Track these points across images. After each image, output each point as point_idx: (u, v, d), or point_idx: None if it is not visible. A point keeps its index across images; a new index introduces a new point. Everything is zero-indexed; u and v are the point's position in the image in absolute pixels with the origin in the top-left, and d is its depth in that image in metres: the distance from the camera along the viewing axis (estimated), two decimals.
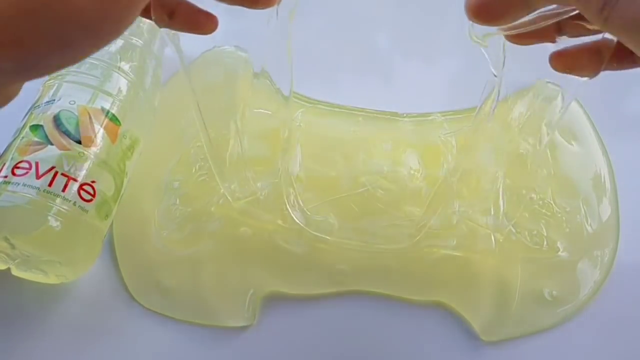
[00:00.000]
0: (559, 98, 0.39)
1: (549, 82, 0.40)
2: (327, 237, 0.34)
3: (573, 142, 0.38)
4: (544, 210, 0.35)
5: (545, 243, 0.34)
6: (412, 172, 0.36)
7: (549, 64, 0.33)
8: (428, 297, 0.33)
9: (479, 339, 0.32)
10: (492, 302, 0.33)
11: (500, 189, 0.35)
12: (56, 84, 0.33)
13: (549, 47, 0.44)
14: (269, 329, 0.32)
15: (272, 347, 0.32)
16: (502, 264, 0.33)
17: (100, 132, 0.32)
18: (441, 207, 0.35)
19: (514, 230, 0.34)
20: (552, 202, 0.35)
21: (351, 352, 0.32)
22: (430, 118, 0.39)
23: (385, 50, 0.44)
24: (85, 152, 0.31)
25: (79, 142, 0.31)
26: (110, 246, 0.34)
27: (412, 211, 0.35)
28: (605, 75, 0.42)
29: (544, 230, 0.34)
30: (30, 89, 0.34)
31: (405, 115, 0.39)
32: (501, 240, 0.34)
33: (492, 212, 0.34)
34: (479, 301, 0.33)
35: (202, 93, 0.39)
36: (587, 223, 0.35)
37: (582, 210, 0.35)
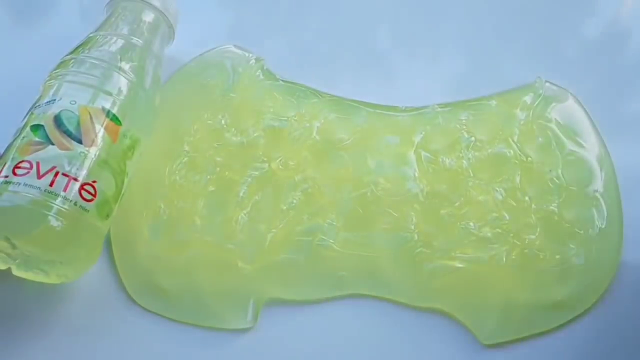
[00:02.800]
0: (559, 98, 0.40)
1: (547, 81, 0.40)
2: (331, 242, 0.34)
3: (574, 142, 0.38)
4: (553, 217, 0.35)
5: (556, 250, 0.34)
6: (412, 173, 0.36)
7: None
8: (428, 304, 0.33)
9: (479, 342, 0.32)
10: (494, 311, 0.33)
11: (502, 199, 0.35)
12: (56, 84, 0.33)
13: (549, 47, 0.44)
14: (269, 331, 0.32)
15: (272, 349, 0.32)
16: (508, 275, 0.33)
17: (101, 132, 0.32)
18: (438, 216, 0.35)
19: (518, 243, 0.34)
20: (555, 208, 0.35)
21: (351, 354, 0.32)
22: (427, 110, 0.39)
23: (386, 49, 0.44)
24: (86, 152, 0.31)
25: (80, 142, 0.31)
26: (110, 246, 0.34)
27: (410, 214, 0.35)
28: (606, 75, 0.42)
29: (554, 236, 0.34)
30: (31, 88, 0.34)
31: (404, 108, 0.39)
32: (513, 255, 0.34)
33: (497, 223, 0.34)
34: (481, 311, 0.33)
35: (202, 93, 0.40)
36: (594, 224, 0.35)
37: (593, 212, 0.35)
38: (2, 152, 0.31)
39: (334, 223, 0.35)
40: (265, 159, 0.36)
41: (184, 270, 0.33)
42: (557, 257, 0.33)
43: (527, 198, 0.35)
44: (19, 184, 0.29)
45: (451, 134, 0.38)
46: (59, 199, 0.29)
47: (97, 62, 0.33)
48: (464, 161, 0.36)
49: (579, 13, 0.46)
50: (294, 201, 0.35)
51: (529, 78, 0.40)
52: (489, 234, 0.34)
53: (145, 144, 0.35)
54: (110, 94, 0.33)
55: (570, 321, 0.32)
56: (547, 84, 0.40)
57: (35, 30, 0.44)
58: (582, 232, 0.34)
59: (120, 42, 0.35)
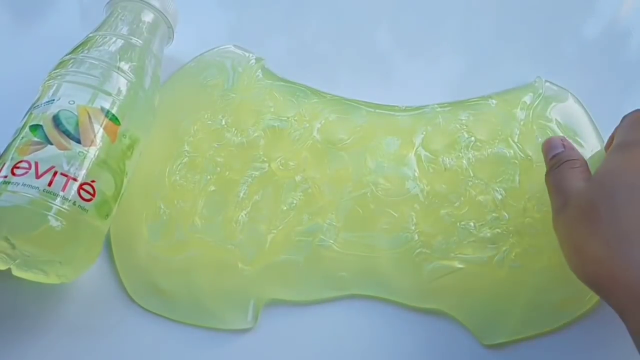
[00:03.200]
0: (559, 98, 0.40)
1: (547, 81, 0.40)
2: (331, 242, 0.34)
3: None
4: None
5: (556, 251, 0.33)
6: (412, 174, 0.36)
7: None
8: (428, 304, 0.33)
9: (479, 343, 0.32)
10: (495, 311, 0.33)
11: (502, 199, 0.35)
12: (55, 84, 0.33)
13: (549, 47, 0.44)
14: (269, 331, 0.32)
15: (272, 349, 0.32)
16: (508, 275, 0.33)
17: (99, 132, 0.32)
18: (437, 216, 0.35)
19: (518, 243, 0.34)
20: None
21: (351, 355, 0.32)
22: (427, 110, 0.39)
23: (386, 49, 0.44)
24: (85, 152, 0.31)
25: (79, 142, 0.31)
26: (110, 246, 0.34)
27: (411, 215, 0.35)
28: (606, 75, 0.42)
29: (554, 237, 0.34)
30: (30, 88, 0.34)
31: (404, 108, 0.39)
32: (513, 256, 0.34)
33: (497, 223, 0.34)
34: (481, 311, 0.33)
35: (202, 93, 0.40)
36: None
37: None
38: (1, 152, 0.31)
39: (334, 223, 0.35)
40: (265, 159, 0.36)
41: (184, 270, 0.33)
42: (557, 257, 0.33)
43: (526, 198, 0.35)
44: (18, 184, 0.29)
45: (451, 134, 0.38)
46: (58, 198, 0.29)
47: (96, 62, 0.33)
48: (464, 161, 0.36)
49: (579, 13, 0.46)
50: (294, 201, 0.35)
51: (529, 78, 0.40)
52: (489, 234, 0.34)
53: (144, 144, 0.35)
54: (109, 94, 0.33)
55: (570, 322, 0.32)
56: (547, 84, 0.40)
57: (34, 30, 0.44)
58: None
59: (120, 42, 0.35)
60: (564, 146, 0.33)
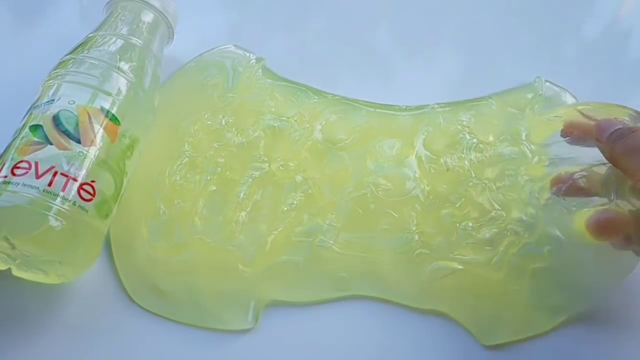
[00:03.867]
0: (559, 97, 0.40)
1: (547, 81, 0.40)
2: (331, 242, 0.34)
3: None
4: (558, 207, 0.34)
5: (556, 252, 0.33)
6: (413, 174, 0.36)
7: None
8: (428, 305, 0.33)
9: (479, 343, 0.32)
10: (494, 312, 0.33)
11: (502, 199, 0.35)
12: (55, 84, 0.33)
13: (549, 47, 0.44)
14: (269, 332, 0.32)
15: (272, 350, 0.32)
16: (508, 276, 0.33)
17: (99, 132, 0.32)
18: (438, 217, 0.35)
19: (517, 244, 0.34)
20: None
21: (352, 356, 0.32)
22: (427, 109, 0.39)
23: (386, 49, 0.44)
24: (85, 152, 0.31)
25: (79, 142, 0.31)
26: (110, 246, 0.34)
27: (411, 215, 0.35)
28: (606, 75, 0.42)
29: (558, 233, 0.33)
30: (30, 89, 0.34)
31: (404, 107, 0.39)
32: (512, 256, 0.33)
33: (496, 224, 0.34)
34: (481, 312, 0.33)
35: (202, 93, 0.40)
36: None
37: None
38: (1, 152, 0.31)
39: (334, 224, 0.35)
40: (265, 159, 0.36)
41: (184, 271, 0.33)
42: (557, 258, 0.33)
43: (523, 198, 0.35)
44: (18, 184, 0.29)
45: (452, 134, 0.38)
46: (58, 199, 0.29)
47: (96, 62, 0.33)
48: (466, 162, 0.36)
49: (579, 13, 0.46)
50: (295, 202, 0.35)
51: (529, 78, 0.40)
52: (487, 235, 0.34)
53: (144, 144, 0.35)
54: (109, 94, 0.33)
55: (570, 322, 0.32)
56: (547, 84, 0.40)
57: (35, 30, 0.44)
58: None
59: (120, 42, 0.35)
60: (622, 124, 0.30)
